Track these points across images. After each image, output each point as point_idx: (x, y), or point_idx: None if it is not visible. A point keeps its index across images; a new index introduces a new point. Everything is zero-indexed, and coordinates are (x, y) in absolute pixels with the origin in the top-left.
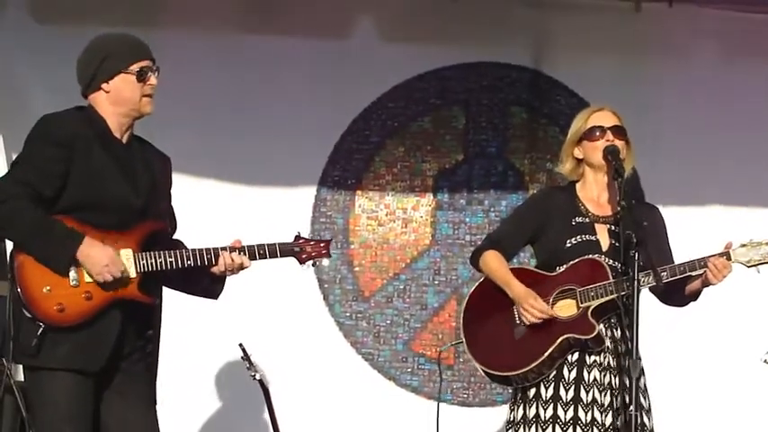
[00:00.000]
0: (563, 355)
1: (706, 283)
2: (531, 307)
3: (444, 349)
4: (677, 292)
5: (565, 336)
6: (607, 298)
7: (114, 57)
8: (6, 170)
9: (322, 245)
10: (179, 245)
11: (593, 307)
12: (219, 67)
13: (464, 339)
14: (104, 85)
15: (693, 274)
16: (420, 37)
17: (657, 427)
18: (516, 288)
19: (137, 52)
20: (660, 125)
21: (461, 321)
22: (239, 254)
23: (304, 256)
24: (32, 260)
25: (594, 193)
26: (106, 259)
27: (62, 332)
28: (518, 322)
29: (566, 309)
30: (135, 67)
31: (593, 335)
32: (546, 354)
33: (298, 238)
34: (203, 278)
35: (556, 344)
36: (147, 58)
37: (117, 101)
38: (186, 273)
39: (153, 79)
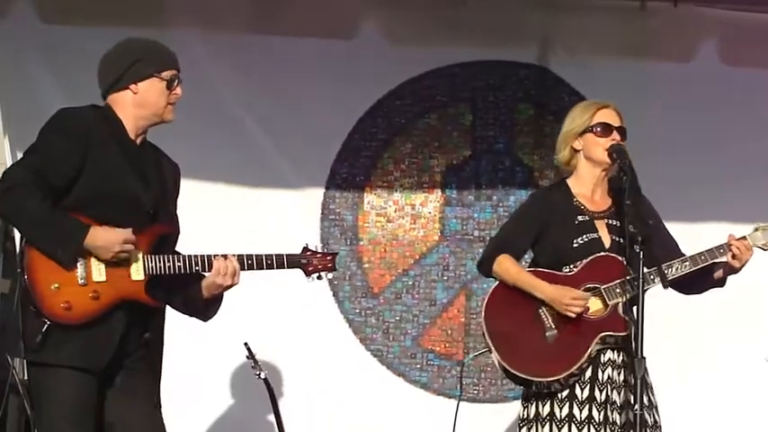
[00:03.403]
0: (597, 355)
1: (729, 270)
2: (574, 300)
3: (470, 359)
4: (700, 280)
5: (602, 334)
6: (634, 293)
7: (148, 60)
8: None
9: (328, 258)
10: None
11: (620, 303)
12: (226, 67)
13: (493, 349)
14: (132, 86)
15: (712, 262)
16: (426, 36)
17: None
18: (546, 289)
19: (170, 61)
20: (662, 125)
21: (485, 330)
22: (236, 262)
23: (310, 269)
24: (42, 256)
25: (589, 189)
26: (116, 244)
27: (67, 330)
28: (548, 326)
29: (592, 307)
30: (166, 75)
31: (626, 332)
32: (587, 353)
33: (305, 250)
34: (199, 294)
35: (594, 342)
36: (176, 68)
37: (142, 104)
38: (185, 282)
39: (179, 89)
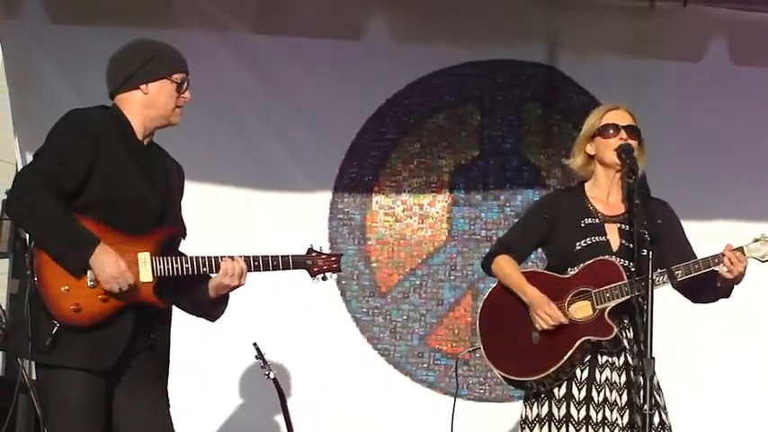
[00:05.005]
0: (582, 359)
1: (723, 282)
2: (546, 314)
3: (462, 355)
4: (706, 289)
5: (583, 338)
6: (623, 299)
7: (160, 61)
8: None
9: (333, 259)
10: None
11: (609, 308)
12: (233, 68)
13: (481, 345)
14: (143, 86)
15: (705, 270)
16: (433, 36)
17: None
18: (531, 293)
19: (181, 63)
20: (672, 125)
21: (478, 326)
22: (243, 263)
23: (315, 270)
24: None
25: (605, 192)
26: (117, 271)
27: (76, 332)
28: (536, 326)
29: (581, 311)
30: (177, 77)
31: (610, 337)
32: (566, 357)
33: (310, 251)
34: (206, 294)
35: (575, 347)
36: (186, 72)
37: (151, 104)
38: (193, 283)
39: (188, 93)
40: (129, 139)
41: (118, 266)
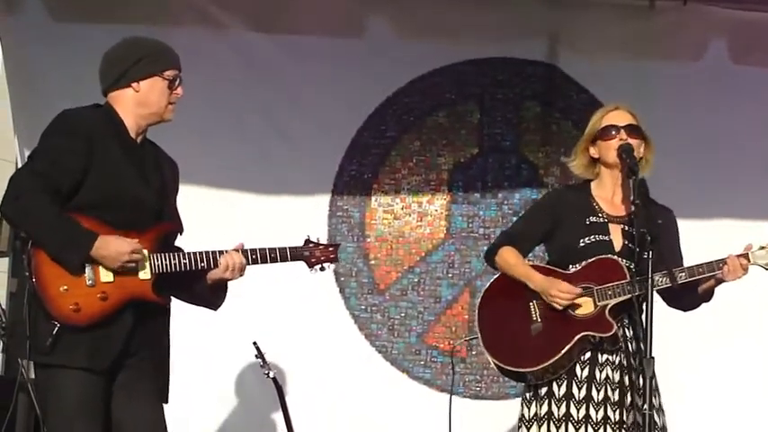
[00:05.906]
0: (580, 354)
1: (720, 281)
2: (560, 291)
3: (459, 344)
4: (688, 294)
5: (583, 333)
6: (624, 297)
7: (151, 59)
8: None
9: (330, 249)
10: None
11: (610, 305)
12: (232, 66)
13: (479, 335)
14: (134, 85)
15: (708, 275)
16: (434, 34)
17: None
18: (538, 279)
19: (172, 60)
20: (671, 124)
21: (476, 317)
22: (242, 255)
23: (313, 261)
24: (50, 258)
25: (610, 193)
26: (128, 247)
27: (76, 332)
28: (534, 319)
29: (582, 306)
30: (169, 74)
31: (610, 333)
32: (564, 350)
33: (307, 242)
34: (205, 286)
35: (574, 341)
36: (178, 68)
37: (143, 102)
38: (191, 278)
39: (180, 90)
40: (123, 138)
41: (124, 243)
